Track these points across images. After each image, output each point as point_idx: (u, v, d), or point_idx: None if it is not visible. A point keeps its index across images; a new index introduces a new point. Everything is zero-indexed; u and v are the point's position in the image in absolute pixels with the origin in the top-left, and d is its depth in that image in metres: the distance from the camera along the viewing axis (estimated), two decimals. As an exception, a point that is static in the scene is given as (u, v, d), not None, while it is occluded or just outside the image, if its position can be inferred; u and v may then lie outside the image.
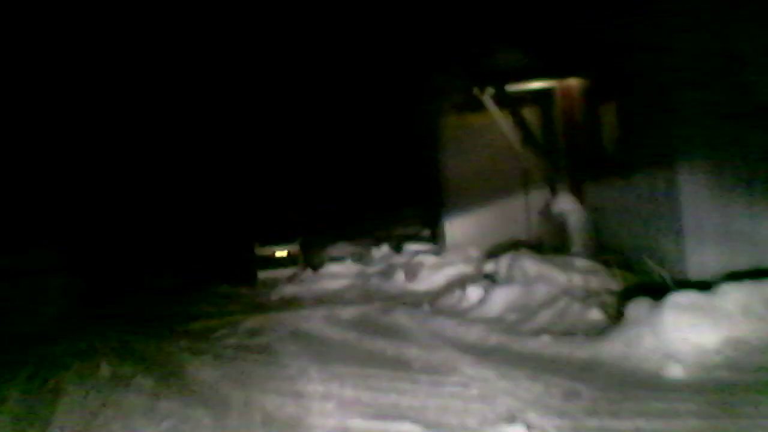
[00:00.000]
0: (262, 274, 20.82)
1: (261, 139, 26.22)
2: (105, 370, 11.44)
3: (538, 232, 17.37)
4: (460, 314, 12.52)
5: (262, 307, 16.36)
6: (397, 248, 20.58)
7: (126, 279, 22.63)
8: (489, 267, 14.17)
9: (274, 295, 18.03)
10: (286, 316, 14.60)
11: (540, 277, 12.36)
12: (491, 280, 13.63)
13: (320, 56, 24.99)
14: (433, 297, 14.65)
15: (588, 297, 11.47)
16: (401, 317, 13.10)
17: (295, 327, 13.46)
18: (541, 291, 12.03)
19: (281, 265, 21.06)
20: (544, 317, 11.18)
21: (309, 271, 19.98)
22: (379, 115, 23.71)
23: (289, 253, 21.25)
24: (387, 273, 18.06)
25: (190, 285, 21.17)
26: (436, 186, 19.84)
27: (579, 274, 12.37)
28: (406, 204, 24.95)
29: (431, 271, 17.07)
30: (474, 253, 17.57)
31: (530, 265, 12.67)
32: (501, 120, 16.98)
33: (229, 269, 22.08)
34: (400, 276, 17.33)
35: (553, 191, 16.37)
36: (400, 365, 9.97)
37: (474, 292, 13.04)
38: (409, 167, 22.90)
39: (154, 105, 25.94)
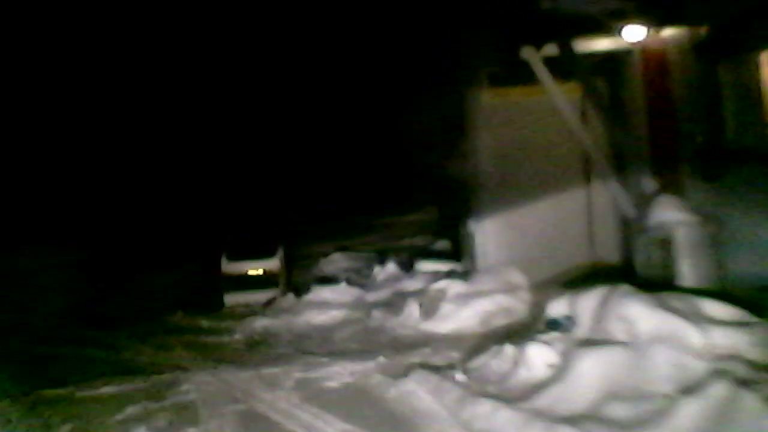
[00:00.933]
0: (231, 299, 15.99)
1: (239, 123, 21.09)
2: None
3: (624, 252, 12.36)
4: (519, 396, 7.49)
5: (215, 355, 11.48)
6: (407, 266, 15.63)
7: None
8: (556, 308, 9.06)
9: (240, 332, 13.23)
10: (243, 377, 9.59)
11: (658, 336, 7.28)
12: (561, 330, 8.55)
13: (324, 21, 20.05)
14: (466, 351, 9.71)
15: (757, 378, 6.41)
16: (420, 393, 8.14)
17: (250, 404, 8.47)
18: (664, 361, 7.00)
19: (256, 286, 16.15)
20: (684, 417, 6.16)
21: (291, 297, 15.22)
22: (384, 93, 18.47)
23: (265, 271, 16.23)
24: (394, 304, 13.26)
25: (141, 312, 16.14)
26: (460, 184, 14.83)
27: (722, 330, 7.30)
28: (414, 206, 19.79)
29: (458, 303, 12.18)
30: (518, 279, 12.60)
31: (639, 311, 7.58)
32: (556, 93, 11.94)
33: (189, 291, 17.09)
34: (412, 309, 12.50)
35: (637, 193, 11.28)
36: None
37: (540, 354, 8.02)
38: (422, 159, 17.65)
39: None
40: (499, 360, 8.54)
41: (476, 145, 13.83)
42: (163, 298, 17.19)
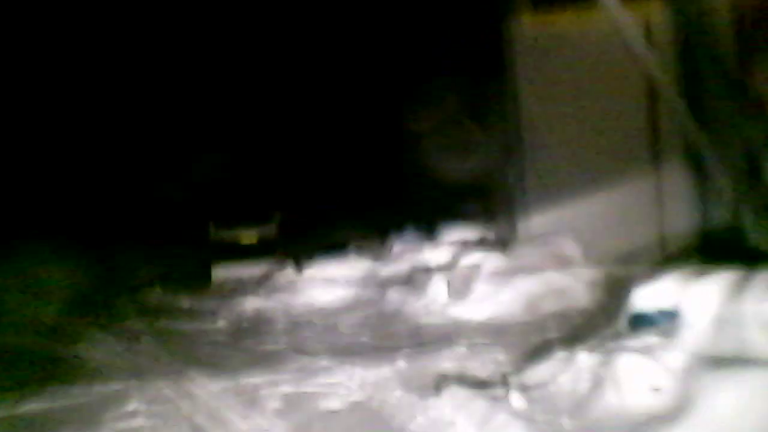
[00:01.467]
0: (220, 272, 13.59)
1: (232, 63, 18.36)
2: None
3: (705, 218, 9.78)
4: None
5: (187, 351, 8.98)
6: (428, 232, 13.15)
7: None
8: (647, 297, 6.49)
9: (225, 317, 10.89)
10: (215, 390, 7.07)
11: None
12: (657, 332, 5.97)
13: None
14: (515, 352, 7.25)
15: None
16: (459, 425, 5.59)
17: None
18: None
19: (249, 256, 13.65)
20: None
21: (290, 270, 12.72)
22: (404, 20, 15.59)
23: (260, 239, 13.76)
24: (414, 281, 10.81)
25: (118, 289, 13.66)
26: (494, 133, 12.24)
27: None
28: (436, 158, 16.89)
29: (495, 282, 9.78)
30: (571, 251, 10.09)
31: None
32: (620, 15, 9.33)
33: (172, 262, 14.63)
34: (438, 289, 10.04)
35: (735, 143, 8.63)
36: None
37: (638, 371, 5.46)
38: (446, 103, 14.79)
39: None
40: (570, 374, 5.98)
41: (516, 85, 11.19)
42: (145, 272, 14.74)
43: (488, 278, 9.75)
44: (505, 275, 9.73)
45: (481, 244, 11.76)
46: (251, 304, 11.24)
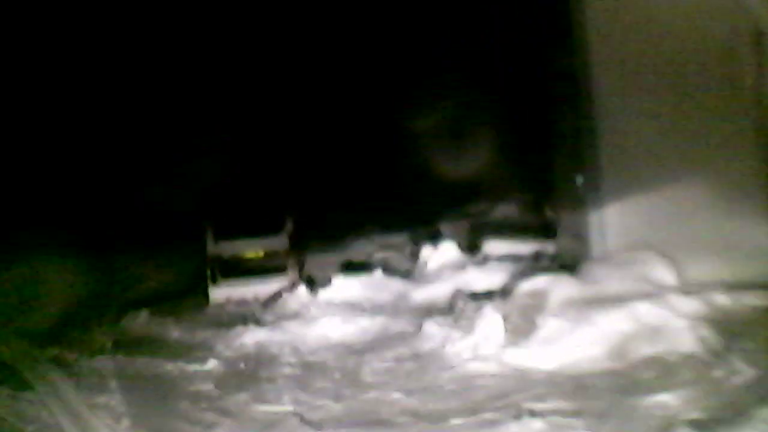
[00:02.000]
0: (219, 292, 11.53)
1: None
2: None
3: None
4: None
5: (157, 414, 6.76)
6: (471, 245, 11.01)
7: None
8: None
9: (219, 355, 8.82)
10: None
11: None
12: None
13: None
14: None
15: None
16: None
17: None
18: None
19: (255, 272, 11.57)
20: None
21: (302, 292, 10.71)
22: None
23: (267, 252, 11.67)
24: (458, 311, 8.47)
25: (100, 310, 11.55)
26: (554, 116, 9.99)
27: None
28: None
29: (569, 317, 7.46)
30: (664, 275, 7.82)
31: None
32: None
33: (165, 279, 12.53)
34: (490, 323, 7.68)
35: None
36: None
37: None
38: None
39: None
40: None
41: (587, 56, 8.88)
42: (134, 291, 12.64)
43: (558, 311, 7.45)
44: (579, 307, 7.43)
45: (539, 261, 9.49)
46: (253, 336, 9.05)
